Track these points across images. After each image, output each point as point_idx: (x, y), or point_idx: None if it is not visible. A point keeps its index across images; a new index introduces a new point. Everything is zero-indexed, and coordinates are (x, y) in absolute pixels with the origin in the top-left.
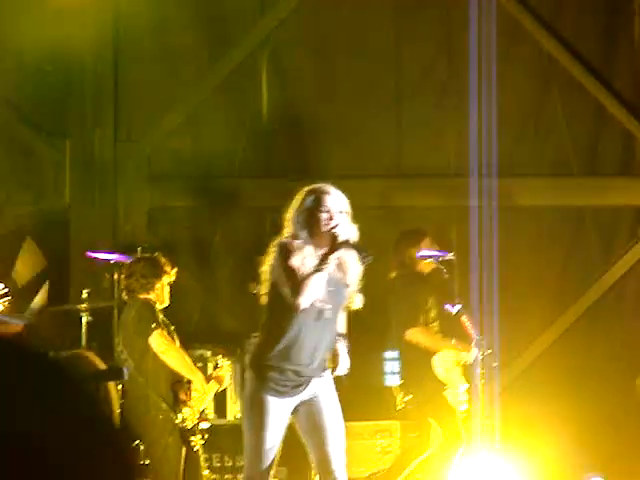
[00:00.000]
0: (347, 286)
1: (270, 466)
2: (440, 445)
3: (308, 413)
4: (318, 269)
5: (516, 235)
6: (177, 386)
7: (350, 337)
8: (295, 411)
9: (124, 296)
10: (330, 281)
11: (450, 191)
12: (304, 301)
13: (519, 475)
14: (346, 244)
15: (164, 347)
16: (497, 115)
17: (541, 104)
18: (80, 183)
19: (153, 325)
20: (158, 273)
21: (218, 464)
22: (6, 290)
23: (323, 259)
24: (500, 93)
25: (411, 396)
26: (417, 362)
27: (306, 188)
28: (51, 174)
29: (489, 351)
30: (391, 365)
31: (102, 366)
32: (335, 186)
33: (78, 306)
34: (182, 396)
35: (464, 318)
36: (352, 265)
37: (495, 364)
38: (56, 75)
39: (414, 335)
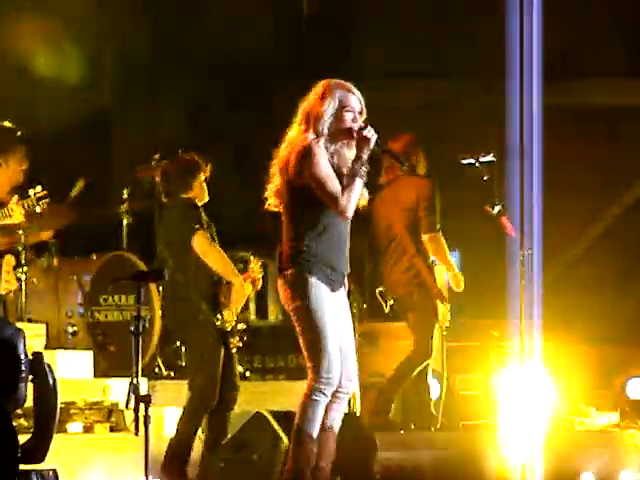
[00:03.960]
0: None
1: (339, 367)
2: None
3: (338, 316)
4: (356, 173)
5: (556, 136)
6: (217, 288)
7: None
8: None
9: (163, 198)
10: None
11: (492, 91)
12: (350, 211)
13: (557, 382)
14: (380, 147)
15: (206, 248)
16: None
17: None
18: (121, 85)
19: (196, 226)
20: (193, 171)
21: (259, 365)
22: (45, 192)
23: (357, 162)
24: None
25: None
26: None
27: (328, 83)
28: (92, 75)
29: (529, 251)
30: None
31: (143, 267)
32: (378, 84)
33: (119, 208)
34: (222, 298)
35: (504, 219)
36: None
37: (529, 252)
38: None
39: (435, 240)
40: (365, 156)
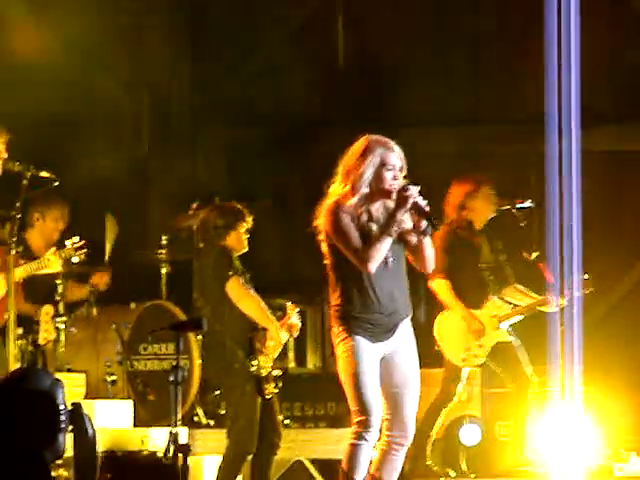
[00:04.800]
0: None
1: (379, 411)
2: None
3: (390, 364)
4: (384, 230)
5: (595, 180)
6: (253, 334)
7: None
8: (381, 360)
9: (199, 244)
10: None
11: (529, 137)
12: (372, 265)
13: (597, 427)
14: (418, 208)
15: (240, 294)
16: (577, 60)
17: (619, 51)
18: (158, 133)
19: (230, 272)
20: (232, 221)
21: (299, 413)
22: (83, 242)
23: (390, 218)
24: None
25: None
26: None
27: (367, 139)
28: (130, 124)
29: (569, 295)
30: None
31: (182, 317)
32: (412, 133)
33: (157, 253)
34: (258, 344)
35: (542, 265)
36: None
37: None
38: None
39: (438, 285)
40: (400, 215)
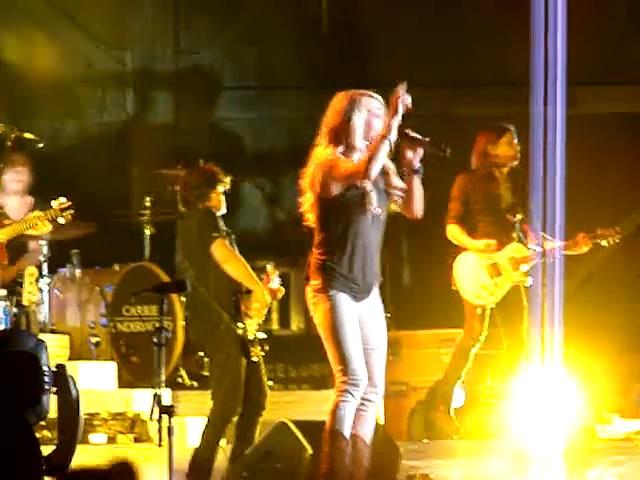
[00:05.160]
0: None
1: (364, 367)
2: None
3: (363, 324)
4: (385, 134)
5: (579, 143)
6: (238, 296)
7: (415, 244)
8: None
9: (181, 208)
10: (377, 185)
11: (513, 99)
12: (372, 171)
13: (580, 389)
14: (424, 142)
15: (225, 256)
16: (562, 23)
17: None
18: (141, 96)
19: (215, 234)
20: (212, 182)
21: (282, 375)
22: (69, 203)
23: (386, 127)
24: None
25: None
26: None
27: (349, 95)
28: (112, 87)
29: (551, 259)
30: None
31: (165, 279)
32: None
33: (140, 214)
34: (242, 306)
35: (526, 226)
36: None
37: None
38: None
39: (451, 231)
40: (395, 122)
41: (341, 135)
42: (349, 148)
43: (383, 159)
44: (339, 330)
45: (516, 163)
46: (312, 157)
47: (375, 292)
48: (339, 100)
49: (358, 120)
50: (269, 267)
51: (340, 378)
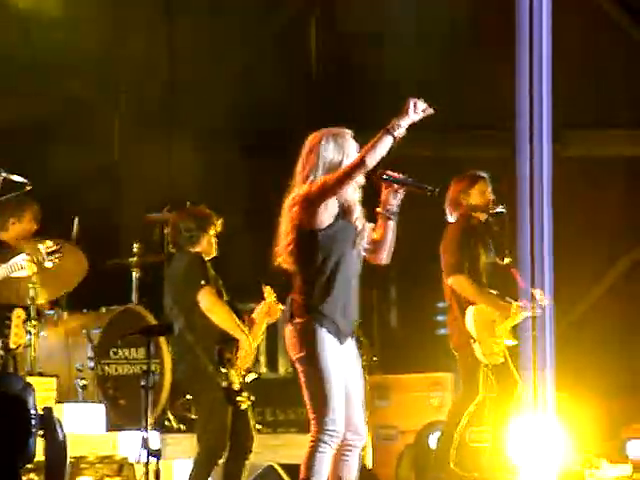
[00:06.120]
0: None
1: (343, 415)
2: (458, 397)
3: (345, 369)
4: (389, 130)
5: (567, 186)
6: (223, 345)
7: (403, 288)
8: None
9: (171, 248)
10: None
11: (501, 142)
12: (369, 160)
13: (569, 433)
14: (408, 184)
15: (211, 305)
16: (550, 67)
17: (593, 56)
18: (130, 138)
19: (202, 281)
20: (203, 225)
21: (270, 418)
22: (57, 246)
23: (393, 124)
24: (553, 45)
25: (451, 345)
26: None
27: (323, 134)
28: (102, 129)
29: (542, 303)
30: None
31: (152, 321)
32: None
33: (128, 260)
34: (228, 355)
35: (515, 270)
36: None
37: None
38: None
39: (458, 282)
40: (404, 123)
41: (316, 173)
42: None
43: (383, 153)
44: (322, 375)
45: (491, 211)
46: (290, 200)
47: (352, 337)
48: (312, 139)
49: (347, 161)
50: (266, 288)
51: (317, 426)
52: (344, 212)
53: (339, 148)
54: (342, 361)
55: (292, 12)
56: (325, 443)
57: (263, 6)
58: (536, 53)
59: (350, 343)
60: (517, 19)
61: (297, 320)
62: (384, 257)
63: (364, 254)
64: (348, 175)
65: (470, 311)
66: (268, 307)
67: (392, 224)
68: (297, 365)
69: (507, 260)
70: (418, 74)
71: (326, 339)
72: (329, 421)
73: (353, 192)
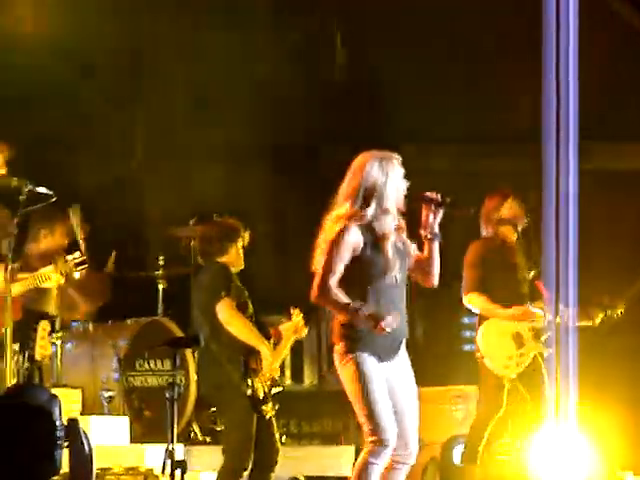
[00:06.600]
0: (408, 250)
1: (394, 429)
2: (480, 411)
3: (394, 384)
4: (348, 312)
5: (592, 199)
6: (249, 355)
7: (429, 302)
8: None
9: (199, 260)
10: (395, 248)
11: (525, 156)
12: (317, 300)
13: (593, 446)
14: (446, 204)
15: (228, 317)
16: (574, 78)
17: (619, 69)
18: (153, 151)
19: (223, 292)
20: (231, 236)
21: (295, 430)
22: (83, 258)
23: (431, 231)
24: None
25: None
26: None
27: (371, 155)
28: (122, 140)
29: (565, 315)
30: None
31: (178, 333)
32: (408, 150)
33: (154, 273)
34: (253, 364)
35: (540, 283)
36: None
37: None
38: None
39: (472, 300)
40: (438, 219)
41: (370, 199)
42: (382, 212)
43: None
44: (366, 390)
45: (522, 226)
46: (330, 217)
47: (403, 352)
48: (360, 159)
49: (390, 185)
50: (293, 310)
51: (369, 437)
52: (376, 239)
53: (383, 172)
54: (389, 379)
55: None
56: (376, 453)
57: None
58: (562, 65)
59: (399, 359)
60: (543, 31)
61: (337, 345)
62: (433, 278)
63: (411, 277)
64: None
65: (482, 326)
66: (295, 327)
67: (436, 245)
68: (345, 385)
69: (532, 273)
70: (440, 87)
71: (366, 359)
72: (379, 430)
73: (391, 220)
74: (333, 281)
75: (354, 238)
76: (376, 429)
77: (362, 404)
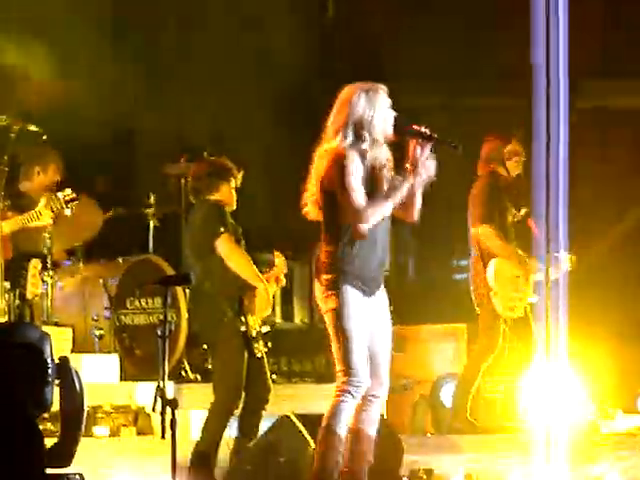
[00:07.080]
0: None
1: (367, 369)
2: (475, 351)
3: (372, 320)
4: (391, 197)
5: (581, 139)
6: (242, 292)
7: (420, 241)
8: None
9: (191, 198)
10: (385, 179)
11: (514, 93)
12: (366, 227)
13: (584, 384)
14: (433, 139)
15: (229, 251)
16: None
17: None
18: (145, 90)
19: (221, 228)
20: (224, 174)
21: (285, 368)
22: (74, 194)
23: (400, 186)
24: None
25: (473, 296)
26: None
27: (358, 86)
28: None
29: (557, 254)
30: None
31: (169, 271)
32: (396, 86)
33: (145, 210)
34: (247, 302)
35: (530, 220)
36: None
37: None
38: None
39: (485, 233)
40: (425, 153)
41: (360, 130)
42: (373, 143)
43: (382, 217)
44: (346, 329)
45: (517, 171)
46: (322, 151)
47: (382, 290)
48: (348, 91)
49: (378, 116)
50: (275, 253)
51: (341, 378)
52: (371, 170)
53: (370, 104)
54: (369, 314)
55: None
56: (348, 393)
57: None
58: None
59: (379, 295)
60: None
61: (323, 277)
62: (414, 214)
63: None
64: (348, 207)
65: (492, 264)
66: (276, 276)
67: (418, 180)
68: (325, 319)
69: (523, 211)
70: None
71: (351, 295)
72: (352, 373)
73: (381, 151)
74: (362, 198)
75: (357, 162)
76: (348, 371)
77: (340, 343)
